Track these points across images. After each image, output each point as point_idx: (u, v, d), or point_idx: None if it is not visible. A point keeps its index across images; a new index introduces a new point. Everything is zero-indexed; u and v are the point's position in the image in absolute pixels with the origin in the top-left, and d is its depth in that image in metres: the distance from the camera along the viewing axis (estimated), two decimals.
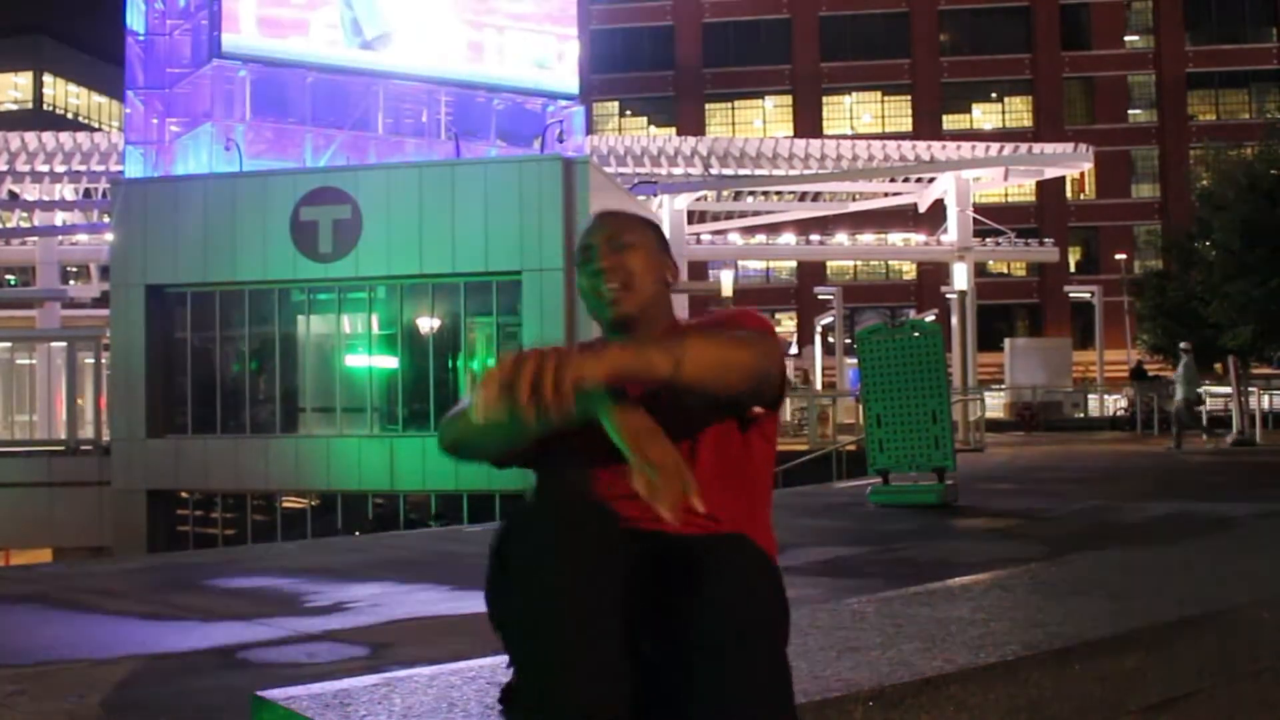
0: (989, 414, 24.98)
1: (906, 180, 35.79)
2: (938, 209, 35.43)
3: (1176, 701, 2.48)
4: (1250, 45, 52.84)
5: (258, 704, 2.00)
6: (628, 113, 54.86)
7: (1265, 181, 23.11)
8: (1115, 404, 34.75)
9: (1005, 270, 52.13)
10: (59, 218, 32.49)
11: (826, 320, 36.34)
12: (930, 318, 26.94)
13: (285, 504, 21.47)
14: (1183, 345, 23.09)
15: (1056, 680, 2.21)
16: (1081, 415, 34.66)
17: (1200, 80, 52.87)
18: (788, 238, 39.06)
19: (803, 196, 37.17)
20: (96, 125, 59.38)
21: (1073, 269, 51.51)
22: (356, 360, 21.83)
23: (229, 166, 23.35)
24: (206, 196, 21.60)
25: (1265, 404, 25.20)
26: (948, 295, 31.85)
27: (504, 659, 1.84)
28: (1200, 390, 21.52)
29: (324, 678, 2.35)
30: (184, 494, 21.76)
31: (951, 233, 34.00)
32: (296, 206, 20.78)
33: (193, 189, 22.06)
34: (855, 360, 11.40)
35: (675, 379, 1.84)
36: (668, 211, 29.80)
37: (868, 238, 40.47)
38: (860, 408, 11.30)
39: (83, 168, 31.99)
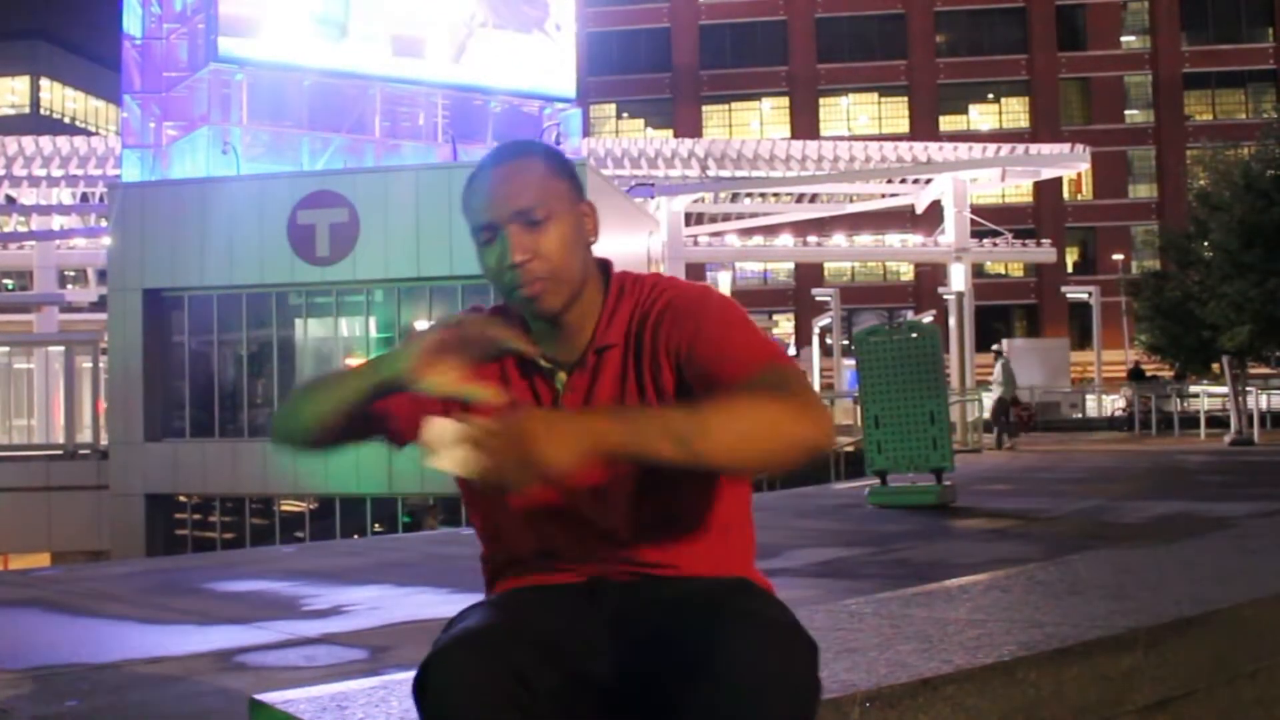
0: (987, 415, 24.96)
1: (904, 181, 35.75)
2: (935, 210, 35.40)
3: (1174, 701, 2.48)
4: (1247, 45, 52.89)
5: (255, 707, 2.00)
6: (625, 115, 54.84)
7: (1262, 181, 23.11)
8: (1113, 404, 34.81)
9: (1003, 271, 52.13)
10: (56, 222, 32.42)
11: (824, 322, 36.28)
12: (928, 319, 26.97)
13: (283, 507, 21.46)
14: (995, 347, 23.51)
15: (1054, 680, 2.21)
16: (1079, 416, 34.69)
17: (1197, 80, 52.91)
18: (785, 239, 39.01)
19: (800, 198, 37.12)
20: (94, 129, 59.31)
21: (1070, 269, 51.53)
22: (355, 363, 21.83)
23: (226, 170, 23.32)
24: (204, 200, 21.58)
25: (1263, 404, 25.24)
26: (945, 296, 31.87)
27: None
28: (1016, 391, 21.94)
29: (322, 681, 2.35)
30: (182, 498, 21.74)
31: (949, 234, 33.96)
32: (294, 210, 20.77)
33: (190, 193, 22.03)
34: (853, 361, 11.40)
35: (685, 463, 1.48)
36: (665, 213, 29.78)
37: (865, 239, 40.44)
38: (858, 409, 11.31)
39: (80, 172, 31.91)
